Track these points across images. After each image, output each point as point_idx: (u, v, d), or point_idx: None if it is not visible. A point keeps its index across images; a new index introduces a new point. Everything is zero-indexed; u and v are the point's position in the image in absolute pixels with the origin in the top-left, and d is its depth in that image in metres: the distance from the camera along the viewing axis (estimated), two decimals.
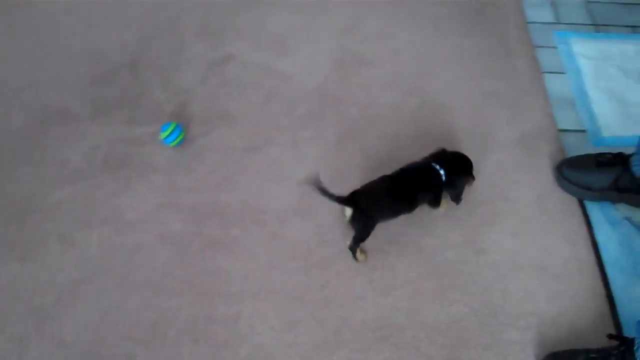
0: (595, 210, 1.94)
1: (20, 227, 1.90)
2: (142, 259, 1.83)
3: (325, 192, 1.68)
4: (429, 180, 1.80)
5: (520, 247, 1.85)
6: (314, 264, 1.82)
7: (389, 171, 1.79)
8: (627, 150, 1.91)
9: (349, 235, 1.79)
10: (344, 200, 1.73)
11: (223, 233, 1.88)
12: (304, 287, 1.77)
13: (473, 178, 1.89)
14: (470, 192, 1.93)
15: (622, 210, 1.94)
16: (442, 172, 1.79)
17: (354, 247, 1.80)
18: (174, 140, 2.05)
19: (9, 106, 2.22)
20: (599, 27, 2.59)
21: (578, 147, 2.10)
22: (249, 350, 1.66)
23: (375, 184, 1.77)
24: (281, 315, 1.72)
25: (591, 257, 1.83)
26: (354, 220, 1.74)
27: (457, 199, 1.88)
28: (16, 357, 1.65)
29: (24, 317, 1.72)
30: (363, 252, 1.83)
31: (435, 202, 1.87)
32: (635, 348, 1.47)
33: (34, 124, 2.16)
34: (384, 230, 1.86)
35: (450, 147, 1.87)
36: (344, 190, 1.88)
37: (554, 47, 2.48)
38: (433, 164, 1.80)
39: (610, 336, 1.59)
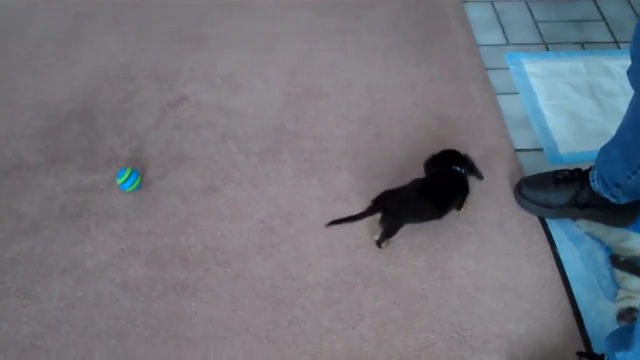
0: (557, 228, 1.95)
1: None
2: (105, 308, 1.80)
3: (350, 218, 1.79)
4: (458, 184, 1.88)
5: (484, 270, 1.86)
6: (280, 301, 1.80)
7: (349, 203, 1.80)
8: (584, 166, 1.93)
9: (314, 268, 1.80)
10: (373, 208, 1.78)
11: (186, 276, 1.86)
12: (271, 324, 1.75)
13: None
14: None
15: (582, 226, 1.95)
16: (462, 171, 1.88)
17: (380, 241, 1.86)
18: (131, 185, 2.03)
19: None
20: (549, 45, 2.63)
21: (536, 166, 2.11)
22: None
23: (407, 187, 1.84)
24: (249, 356, 1.69)
25: (555, 275, 1.84)
26: (382, 220, 1.79)
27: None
28: None
29: None
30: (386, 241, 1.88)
31: (462, 204, 1.95)
32: None
33: None
34: (348, 261, 1.87)
35: (408, 174, 1.88)
36: (306, 225, 1.90)
37: (506, 69, 2.51)
38: (455, 168, 1.88)
39: (579, 354, 1.59)
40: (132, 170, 2.03)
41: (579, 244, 1.92)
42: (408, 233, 1.93)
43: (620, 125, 1.71)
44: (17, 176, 2.13)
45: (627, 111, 1.67)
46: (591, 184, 1.87)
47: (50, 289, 1.84)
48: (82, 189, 2.08)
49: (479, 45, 2.62)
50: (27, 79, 2.50)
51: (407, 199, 1.80)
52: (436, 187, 1.85)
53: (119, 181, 2.02)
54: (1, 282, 1.86)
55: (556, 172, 1.95)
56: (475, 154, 2.09)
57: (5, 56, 2.61)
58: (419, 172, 1.90)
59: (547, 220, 1.98)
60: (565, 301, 1.79)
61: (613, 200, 1.84)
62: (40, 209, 2.03)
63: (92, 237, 1.96)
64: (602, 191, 1.83)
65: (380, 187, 1.83)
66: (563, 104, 2.36)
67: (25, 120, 2.32)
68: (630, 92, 1.60)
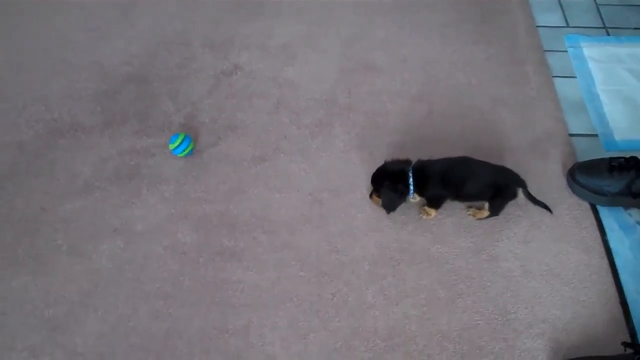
0: (608, 216, 1.92)
1: (31, 240, 1.90)
2: (153, 270, 1.83)
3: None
4: None
5: (531, 254, 1.84)
6: (324, 273, 1.81)
7: None
8: None
9: (360, 243, 1.84)
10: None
11: (233, 243, 1.88)
12: (314, 296, 1.77)
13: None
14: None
15: (634, 216, 1.92)
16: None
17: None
18: (183, 151, 2.05)
19: (19, 120, 2.23)
20: (609, 29, 2.57)
21: (590, 152, 2.08)
22: None
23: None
24: (292, 325, 1.71)
25: (604, 263, 1.82)
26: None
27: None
28: None
29: (37, 329, 1.72)
30: None
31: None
32: None
33: (44, 138, 2.17)
34: (395, 237, 1.87)
35: (459, 154, 1.86)
36: (354, 199, 1.90)
37: (564, 51, 2.47)
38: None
39: (625, 344, 1.57)
40: (185, 136, 2.05)
41: (629, 233, 1.89)
42: (456, 212, 1.92)
43: None
44: (72, 136, 2.17)
45: None
46: None
47: (101, 249, 1.88)
48: (135, 152, 2.11)
49: (538, 26, 2.58)
50: (85, 40, 2.54)
51: None
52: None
53: (172, 146, 2.04)
54: (53, 240, 1.90)
55: (611, 159, 1.92)
56: (528, 137, 2.09)
57: (64, 16, 2.65)
58: (470, 152, 1.88)
59: (598, 207, 1.95)
60: (613, 290, 1.76)
61: None
62: (93, 170, 2.07)
63: (143, 200, 1.99)
64: None
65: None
66: (621, 90, 2.32)
67: (82, 81, 2.36)
68: None
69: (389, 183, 1.81)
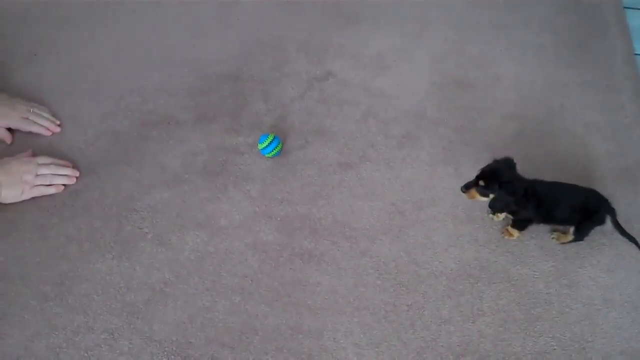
0: None
1: (119, 226, 1.96)
2: (233, 265, 1.87)
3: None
4: None
5: (614, 283, 1.81)
6: (402, 284, 1.82)
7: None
8: None
9: (439, 257, 1.83)
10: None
11: (313, 246, 1.90)
12: (390, 306, 1.78)
13: None
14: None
15: None
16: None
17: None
18: (271, 152, 2.08)
19: (115, 110, 2.30)
20: None
21: None
22: None
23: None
24: (366, 332, 1.72)
25: None
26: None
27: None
28: (107, 348, 1.70)
29: (117, 312, 1.77)
30: None
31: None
32: None
33: (138, 128, 2.23)
34: (475, 255, 1.86)
35: (548, 177, 1.84)
36: (437, 213, 1.90)
37: None
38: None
39: None
40: (274, 137, 2.08)
41: None
42: (539, 234, 1.90)
43: None
44: (165, 129, 2.23)
45: None
46: None
47: (184, 240, 1.93)
48: (225, 149, 2.15)
49: (636, 54, 2.52)
50: (184, 37, 2.60)
51: None
52: None
53: (260, 146, 2.07)
54: (139, 228, 1.96)
55: None
56: (620, 164, 2.05)
57: (164, 13, 2.72)
58: (559, 175, 1.86)
59: None
60: None
61: None
62: (183, 163, 2.12)
63: (229, 197, 2.03)
64: None
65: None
66: None
67: (178, 76, 2.42)
68: None
69: (510, 186, 1.70)
